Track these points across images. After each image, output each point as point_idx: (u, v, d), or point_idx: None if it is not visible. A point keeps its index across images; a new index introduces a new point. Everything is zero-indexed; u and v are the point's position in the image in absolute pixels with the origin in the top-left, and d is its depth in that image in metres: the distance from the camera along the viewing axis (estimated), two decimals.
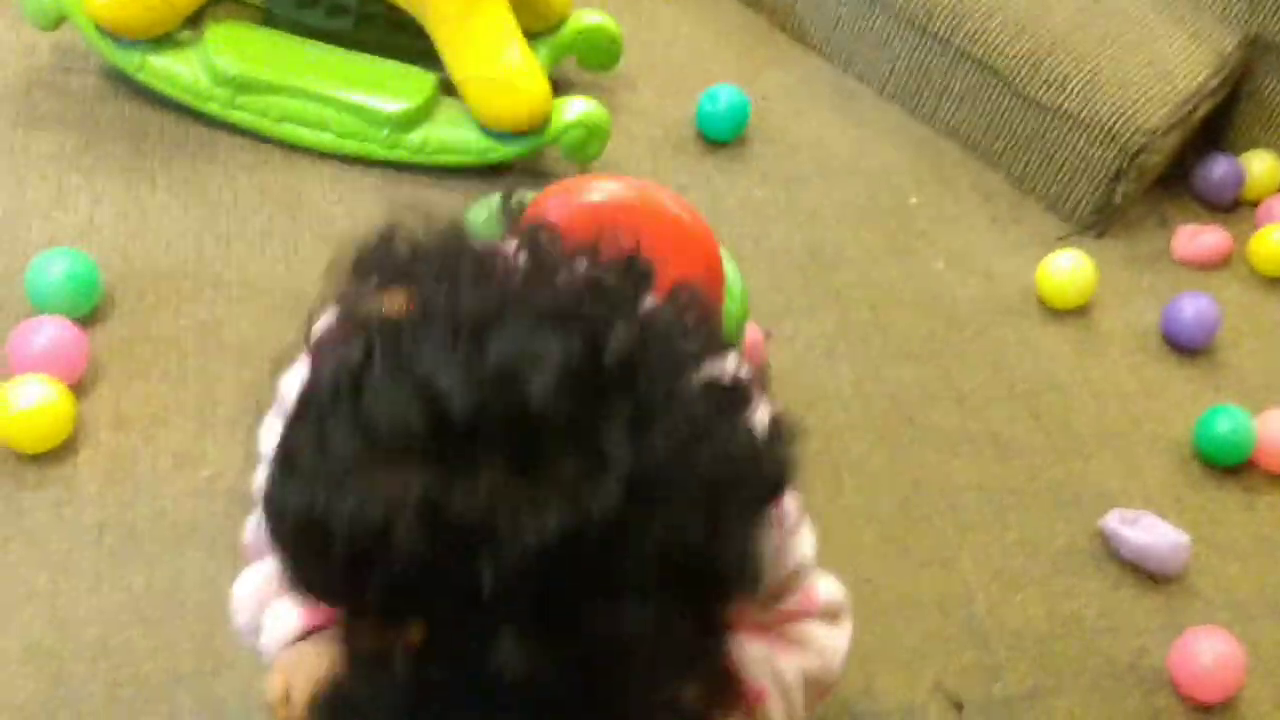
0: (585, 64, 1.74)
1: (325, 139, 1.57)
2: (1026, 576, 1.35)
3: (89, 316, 1.35)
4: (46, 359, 1.27)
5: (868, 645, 1.26)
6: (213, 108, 1.57)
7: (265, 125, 1.57)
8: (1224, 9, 1.78)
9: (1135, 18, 1.76)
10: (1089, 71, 1.70)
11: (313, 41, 1.62)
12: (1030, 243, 1.70)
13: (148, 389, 1.32)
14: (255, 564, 0.85)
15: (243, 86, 1.55)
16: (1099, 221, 1.73)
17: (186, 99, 1.57)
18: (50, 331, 1.29)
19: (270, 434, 0.89)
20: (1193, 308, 1.60)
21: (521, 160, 1.59)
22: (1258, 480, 1.49)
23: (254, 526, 0.87)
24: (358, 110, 1.56)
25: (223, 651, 1.15)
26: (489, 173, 1.58)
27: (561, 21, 1.69)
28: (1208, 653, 1.27)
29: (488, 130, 1.56)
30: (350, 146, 1.58)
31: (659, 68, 1.83)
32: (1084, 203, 1.72)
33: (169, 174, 1.53)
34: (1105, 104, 1.68)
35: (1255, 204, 1.81)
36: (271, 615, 0.81)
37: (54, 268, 1.34)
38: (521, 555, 0.55)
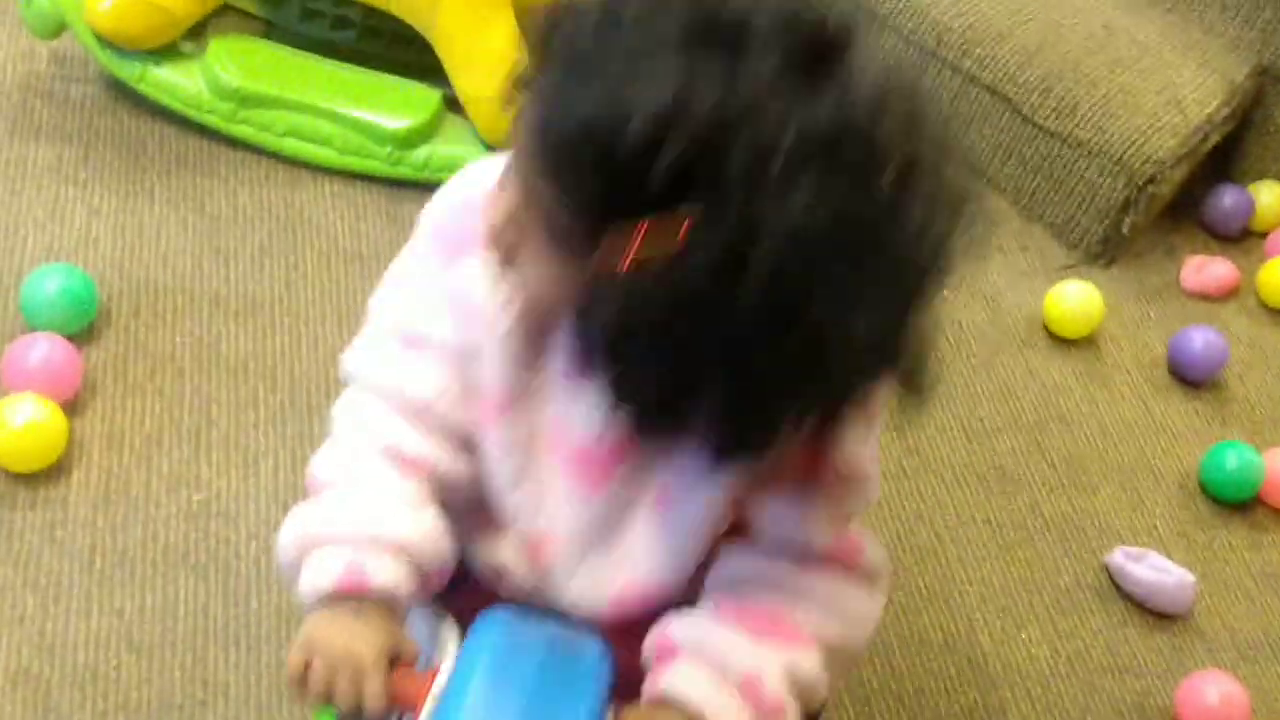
0: None
1: (328, 155, 1.56)
2: (1031, 613, 1.34)
3: (84, 333, 1.33)
4: (39, 377, 1.25)
5: (869, 683, 1.25)
6: (214, 121, 1.55)
7: (267, 140, 1.55)
8: (1235, 38, 1.76)
9: (1146, 46, 1.74)
10: (1099, 99, 1.68)
11: (316, 56, 1.60)
12: (1037, 271, 1.68)
13: (142, 408, 1.30)
14: (313, 499, 0.81)
15: (245, 100, 1.53)
16: (1106, 251, 1.71)
17: (187, 111, 1.55)
18: (43, 349, 1.27)
19: (362, 360, 0.85)
20: (1201, 340, 1.59)
21: None
22: (1264, 517, 1.47)
23: (323, 461, 0.83)
24: (361, 126, 1.54)
25: (213, 680, 1.13)
26: None
27: None
28: (1214, 693, 1.26)
29: (492, 148, 1.54)
30: (353, 163, 1.56)
31: None
32: (1092, 232, 1.71)
33: (168, 187, 1.51)
34: (1115, 133, 1.66)
35: (1264, 235, 1.79)
36: (311, 563, 0.78)
37: (49, 284, 1.31)
38: (800, 133, 0.60)
